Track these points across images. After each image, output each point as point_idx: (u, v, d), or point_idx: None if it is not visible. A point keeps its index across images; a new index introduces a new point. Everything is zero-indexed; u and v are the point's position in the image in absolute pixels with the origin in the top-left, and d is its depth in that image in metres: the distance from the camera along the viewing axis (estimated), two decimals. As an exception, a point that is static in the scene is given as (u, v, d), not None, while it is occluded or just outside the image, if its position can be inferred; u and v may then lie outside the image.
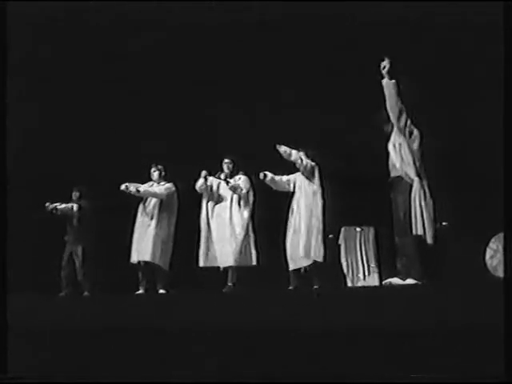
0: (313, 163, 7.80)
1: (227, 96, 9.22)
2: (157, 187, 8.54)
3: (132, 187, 8.42)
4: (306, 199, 7.73)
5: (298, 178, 7.87)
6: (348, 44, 8.59)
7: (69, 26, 8.94)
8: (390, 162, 6.69)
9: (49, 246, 9.02)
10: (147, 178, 8.64)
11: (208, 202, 8.23)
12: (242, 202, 8.07)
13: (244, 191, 8.06)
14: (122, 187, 8.38)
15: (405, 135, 6.57)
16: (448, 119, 8.28)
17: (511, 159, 5.42)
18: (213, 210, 8.17)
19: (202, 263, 8.12)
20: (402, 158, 6.56)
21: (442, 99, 8.33)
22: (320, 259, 7.56)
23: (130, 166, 8.91)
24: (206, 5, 8.48)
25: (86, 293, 8.69)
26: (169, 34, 9.03)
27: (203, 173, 8.14)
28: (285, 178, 7.92)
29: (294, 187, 7.88)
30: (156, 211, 8.46)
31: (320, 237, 7.61)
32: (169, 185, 8.57)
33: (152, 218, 8.44)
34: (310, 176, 7.78)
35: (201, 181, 8.15)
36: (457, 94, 8.28)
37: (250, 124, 9.05)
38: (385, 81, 6.49)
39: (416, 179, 6.48)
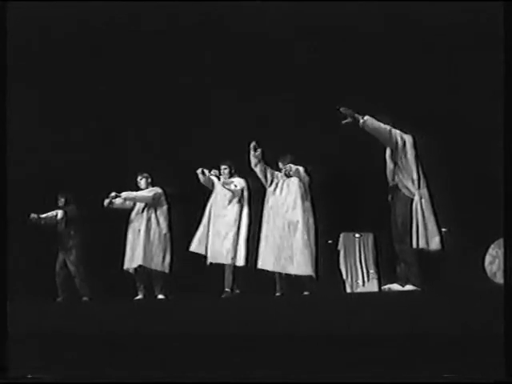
0: (307, 178, 7.75)
1: (221, 99, 9.24)
2: (141, 191, 8.55)
3: (117, 200, 8.52)
4: (302, 214, 7.65)
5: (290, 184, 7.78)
6: (349, 47, 8.60)
7: (68, 28, 8.95)
8: (388, 170, 6.68)
9: (49, 250, 9.01)
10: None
11: (208, 199, 8.24)
12: (234, 201, 8.07)
13: (238, 187, 8.05)
14: (106, 202, 8.46)
15: (400, 149, 6.55)
16: (447, 122, 8.29)
17: (511, 165, 5.41)
18: (213, 207, 8.17)
19: (193, 248, 8.11)
20: (402, 174, 6.54)
21: (441, 100, 8.34)
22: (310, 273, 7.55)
23: (125, 172, 8.91)
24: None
25: (84, 298, 8.68)
26: (160, 37, 9.04)
27: (199, 170, 8.21)
28: (271, 171, 7.80)
29: (270, 185, 7.80)
30: (144, 216, 8.46)
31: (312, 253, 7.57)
32: (154, 188, 8.56)
33: (141, 224, 8.44)
34: (305, 191, 7.73)
35: (200, 176, 8.21)
36: (456, 95, 8.29)
37: (244, 128, 9.03)
38: (360, 125, 6.44)
39: (417, 192, 6.47)
